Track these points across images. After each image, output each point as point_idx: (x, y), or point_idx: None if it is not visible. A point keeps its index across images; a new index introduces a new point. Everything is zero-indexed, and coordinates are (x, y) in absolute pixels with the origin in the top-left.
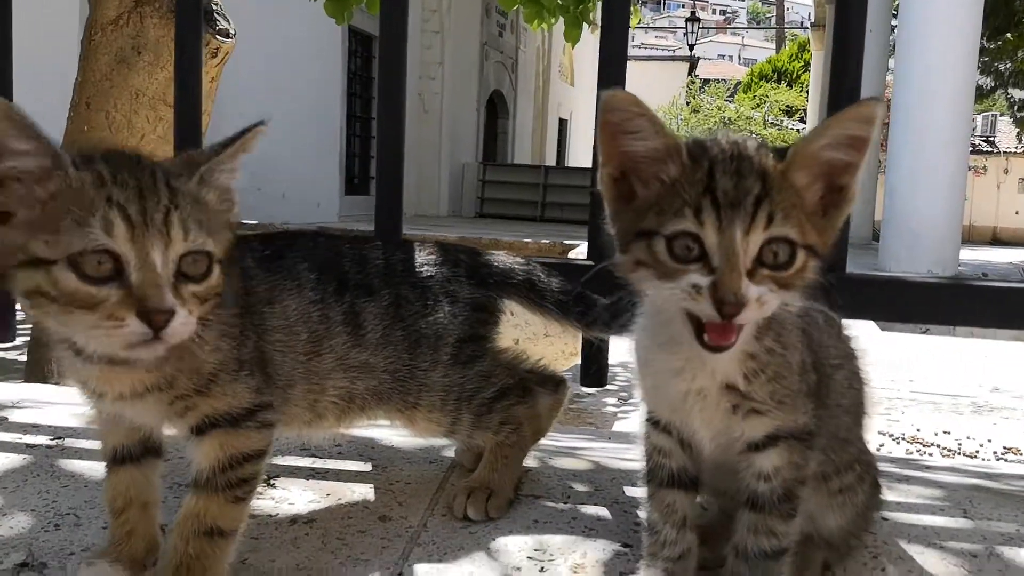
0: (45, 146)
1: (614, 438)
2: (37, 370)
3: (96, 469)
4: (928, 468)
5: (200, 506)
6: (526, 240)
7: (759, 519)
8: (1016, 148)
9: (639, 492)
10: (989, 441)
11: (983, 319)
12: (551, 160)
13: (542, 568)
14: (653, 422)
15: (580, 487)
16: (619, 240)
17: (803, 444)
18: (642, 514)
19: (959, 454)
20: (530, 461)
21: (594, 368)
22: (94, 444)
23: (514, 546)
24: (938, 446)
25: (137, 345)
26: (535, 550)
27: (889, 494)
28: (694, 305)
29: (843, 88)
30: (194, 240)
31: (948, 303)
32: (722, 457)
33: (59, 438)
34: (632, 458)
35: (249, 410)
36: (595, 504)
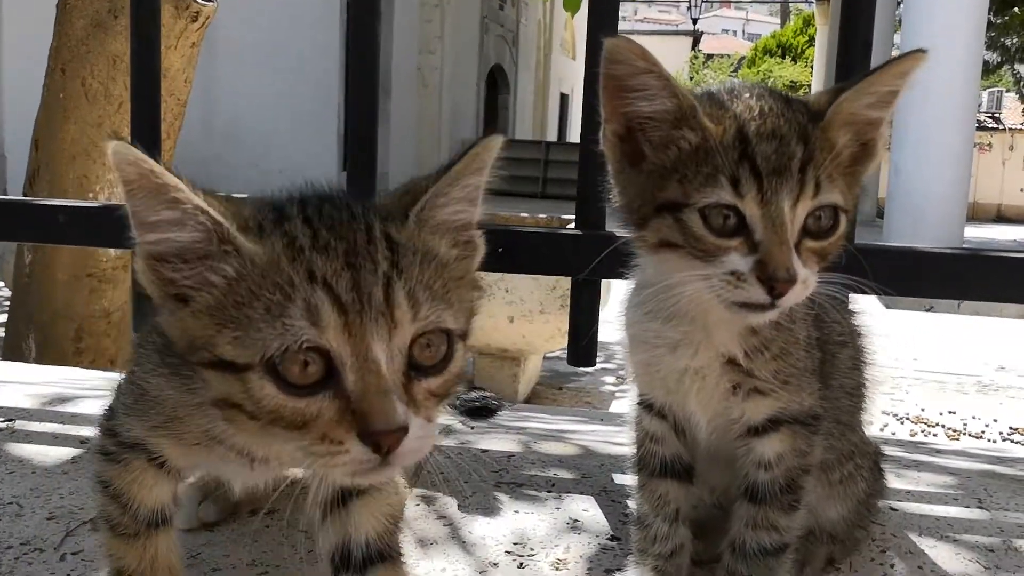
0: (205, 213)
1: (607, 419)
2: (15, 347)
3: (46, 455)
4: (937, 452)
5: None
6: (523, 215)
7: (759, 512)
8: (1022, 124)
9: (629, 480)
10: (995, 421)
11: (1000, 291)
12: (552, 136)
13: (521, 564)
14: (645, 405)
15: (566, 474)
16: (631, 213)
17: (808, 429)
18: (632, 504)
19: (965, 434)
20: (514, 446)
21: (583, 346)
22: (46, 427)
23: (492, 539)
24: (943, 426)
25: (361, 473)
26: (514, 543)
27: (897, 481)
28: (736, 294)
29: (856, 42)
30: (427, 316)
31: (963, 275)
32: (719, 444)
33: (10, 420)
34: (623, 442)
35: None
36: (581, 493)
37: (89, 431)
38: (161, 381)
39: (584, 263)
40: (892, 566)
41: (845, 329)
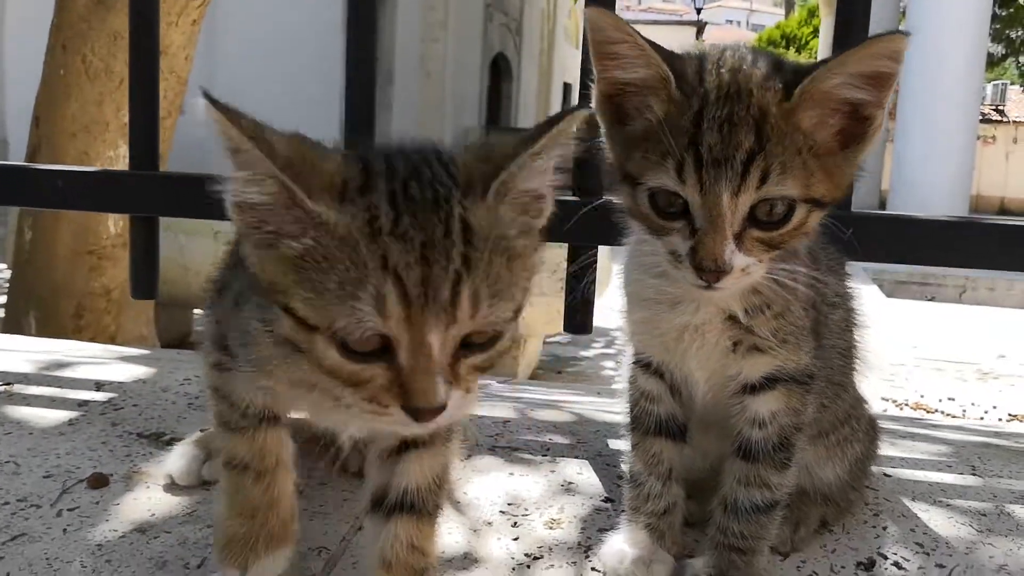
0: (276, 178)
1: (603, 393)
2: (16, 324)
3: (44, 417)
4: (935, 427)
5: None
6: None
7: (751, 469)
8: None
9: (623, 445)
10: (994, 408)
11: (995, 259)
12: None
13: (515, 523)
14: (642, 364)
15: (561, 439)
16: (616, 168)
17: (802, 387)
18: (625, 467)
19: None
20: (509, 412)
21: (579, 316)
22: (44, 391)
23: (486, 500)
24: (942, 412)
25: (400, 426)
26: (508, 504)
27: (892, 450)
28: (676, 274)
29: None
30: (486, 316)
31: (958, 242)
32: (715, 402)
33: (8, 384)
34: (618, 411)
35: None
36: (576, 457)
37: (87, 395)
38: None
39: (578, 229)
40: (885, 528)
41: (839, 291)
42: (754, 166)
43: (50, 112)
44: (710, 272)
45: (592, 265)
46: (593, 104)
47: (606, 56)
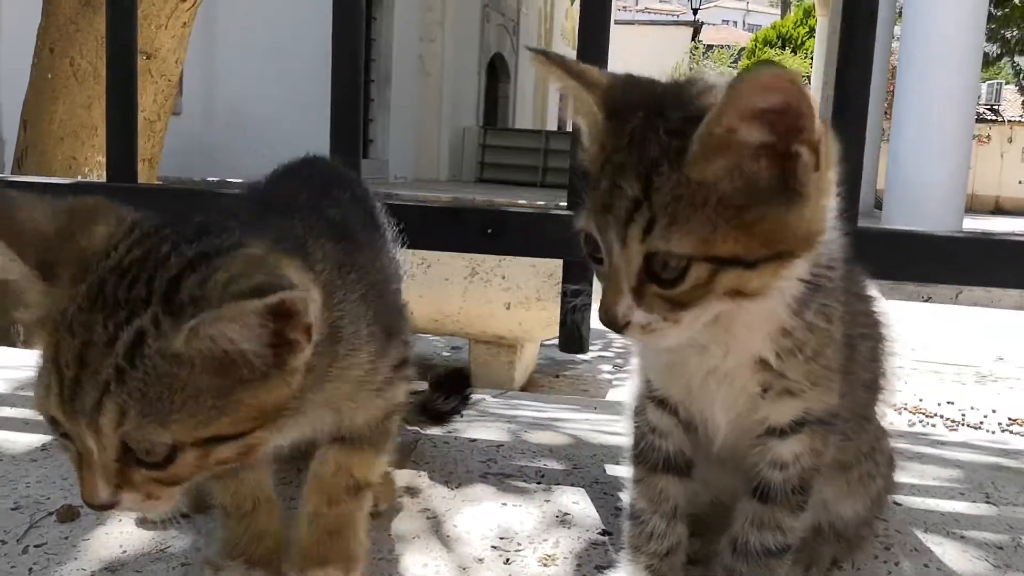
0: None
1: (601, 408)
2: (3, 333)
3: (15, 441)
4: (941, 444)
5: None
6: (521, 202)
7: (766, 511)
8: (1021, 117)
9: (622, 471)
10: (993, 412)
11: (1006, 278)
12: (552, 125)
13: (507, 560)
14: (657, 401)
15: (556, 465)
16: None
17: (827, 428)
18: (624, 497)
19: (963, 425)
20: (502, 434)
21: (576, 336)
22: (18, 412)
23: (477, 533)
24: (941, 416)
25: None
26: (500, 538)
27: (903, 475)
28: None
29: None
30: (131, 432)
31: (968, 259)
32: (733, 443)
33: None
34: (615, 431)
35: None
36: (572, 484)
37: None
38: None
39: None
40: (897, 564)
41: (868, 319)
42: (639, 214)
43: (38, 116)
44: (608, 323)
45: (587, 291)
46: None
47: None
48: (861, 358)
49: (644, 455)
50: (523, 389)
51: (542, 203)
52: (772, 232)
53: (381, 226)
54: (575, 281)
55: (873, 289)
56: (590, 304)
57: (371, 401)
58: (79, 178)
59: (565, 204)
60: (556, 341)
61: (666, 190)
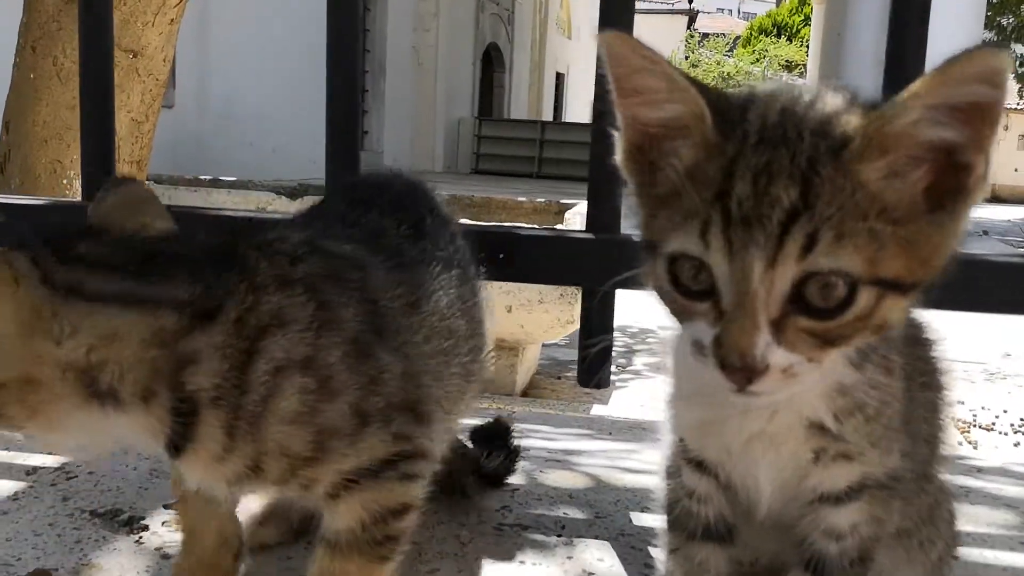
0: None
1: (616, 433)
2: None
3: None
4: (979, 472)
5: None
6: (520, 199)
7: None
8: (1017, 104)
9: (650, 520)
10: (1005, 412)
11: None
12: (548, 115)
13: None
14: (694, 463)
15: (577, 513)
16: (640, 234)
17: (888, 492)
18: (656, 555)
19: (975, 426)
20: (518, 477)
21: (596, 371)
22: None
23: None
24: (953, 418)
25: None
26: None
27: None
28: (703, 366)
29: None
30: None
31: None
32: (779, 511)
33: None
34: (636, 467)
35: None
36: (595, 537)
37: (38, 459)
38: None
39: (596, 270)
40: None
41: (927, 366)
42: (796, 228)
43: (20, 117)
44: (736, 370)
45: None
46: (617, 157)
47: (629, 92)
48: (922, 410)
49: (680, 522)
50: (525, 392)
51: (541, 200)
52: (926, 253)
53: None
54: (597, 319)
55: (930, 331)
56: (611, 344)
57: None
58: (64, 182)
59: (583, 228)
60: (557, 341)
61: (830, 196)
